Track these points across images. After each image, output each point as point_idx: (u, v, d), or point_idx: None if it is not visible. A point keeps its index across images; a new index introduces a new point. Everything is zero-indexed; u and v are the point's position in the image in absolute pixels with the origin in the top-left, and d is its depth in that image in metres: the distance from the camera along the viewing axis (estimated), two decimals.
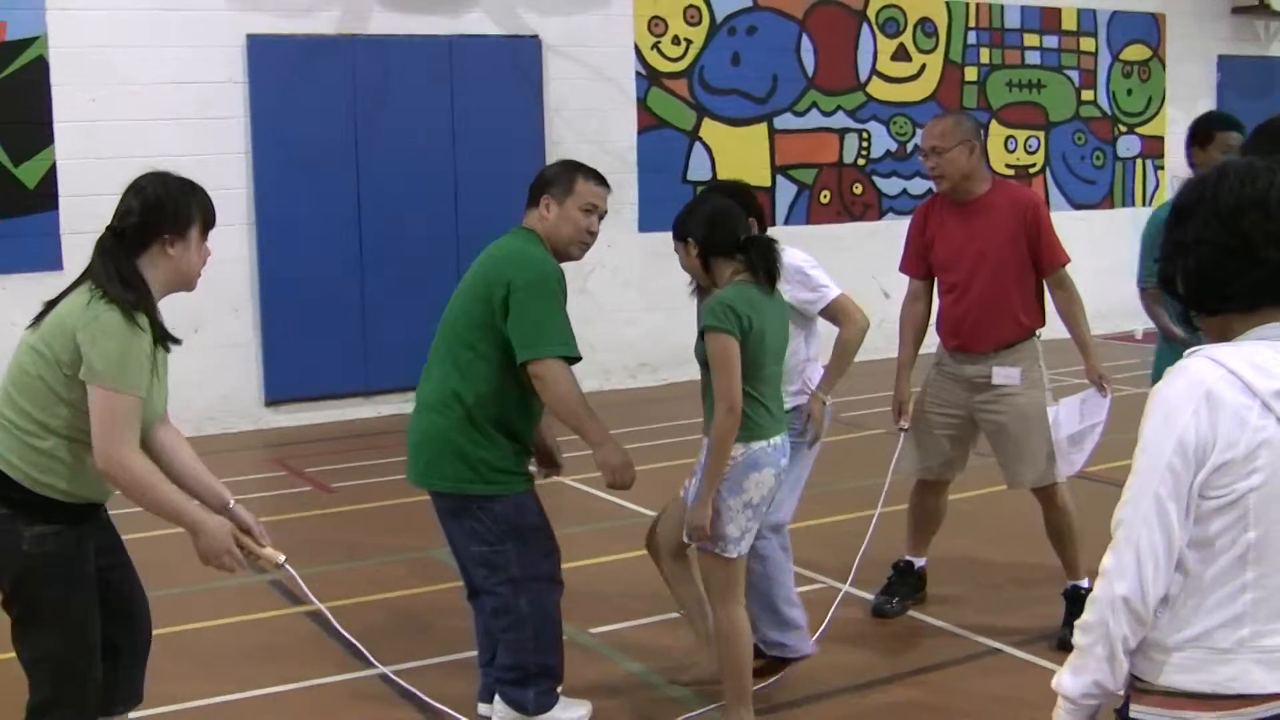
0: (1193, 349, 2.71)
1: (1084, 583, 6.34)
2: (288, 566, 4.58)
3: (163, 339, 4.25)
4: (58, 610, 4.24)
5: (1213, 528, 2.64)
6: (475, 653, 5.84)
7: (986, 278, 6.46)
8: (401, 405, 12.85)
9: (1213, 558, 2.65)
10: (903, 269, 6.86)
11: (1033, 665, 6.17)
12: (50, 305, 4.28)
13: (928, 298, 6.81)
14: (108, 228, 4.29)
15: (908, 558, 7.01)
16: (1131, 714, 2.76)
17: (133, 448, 4.12)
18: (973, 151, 6.46)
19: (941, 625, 6.73)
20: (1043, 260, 6.43)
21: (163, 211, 4.25)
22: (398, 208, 12.81)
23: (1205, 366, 2.64)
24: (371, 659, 5.70)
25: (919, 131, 15.52)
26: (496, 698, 5.55)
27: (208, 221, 4.36)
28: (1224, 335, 2.74)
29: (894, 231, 15.04)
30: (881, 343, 14.92)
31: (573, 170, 5.43)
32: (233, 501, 4.51)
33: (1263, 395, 2.61)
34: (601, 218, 5.46)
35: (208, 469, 4.56)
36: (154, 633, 6.78)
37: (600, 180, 5.45)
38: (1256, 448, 2.61)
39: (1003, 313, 6.48)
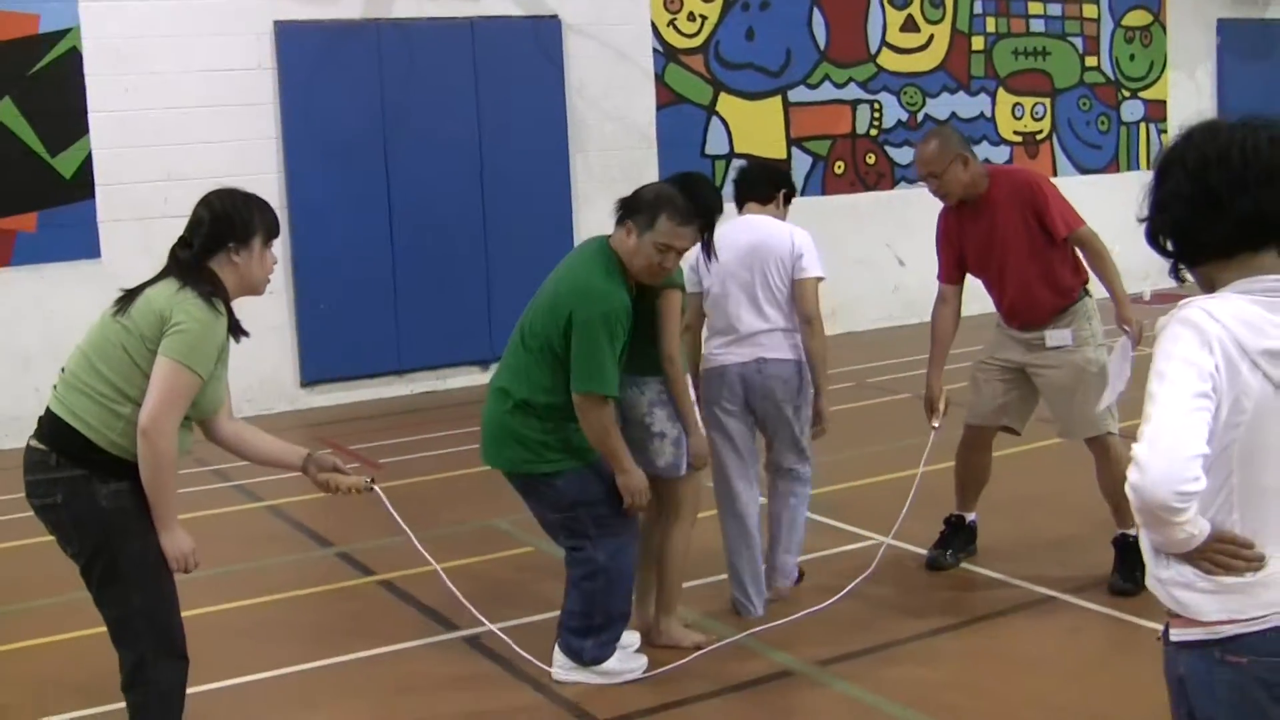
0: (1186, 300, 2.89)
1: (1133, 531, 6.56)
2: (376, 488, 5.01)
3: (235, 330, 4.56)
4: (137, 563, 4.50)
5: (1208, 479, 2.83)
6: (544, 615, 6.11)
7: (1015, 266, 6.74)
8: (434, 383, 13.13)
9: (1204, 508, 2.83)
10: (940, 278, 7.05)
11: (1089, 610, 6.42)
12: (130, 293, 4.55)
13: (956, 301, 7.03)
14: (179, 239, 4.62)
15: (958, 512, 7.25)
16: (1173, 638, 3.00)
17: (176, 423, 4.41)
18: (966, 164, 6.73)
19: (997, 576, 6.97)
20: (1055, 231, 6.67)
21: (229, 222, 4.57)
22: (426, 189, 13.00)
23: (1206, 319, 2.82)
24: (477, 615, 5.92)
25: (929, 101, 15.90)
26: (556, 645, 5.88)
27: (270, 232, 4.68)
28: (1211, 284, 2.95)
29: (907, 200, 15.44)
30: (898, 310, 15.37)
31: (662, 204, 5.64)
32: (308, 453, 4.94)
33: (1252, 353, 2.81)
34: (682, 253, 5.76)
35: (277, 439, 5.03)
36: (234, 605, 7.11)
37: (685, 218, 5.67)
38: (1243, 400, 2.81)
39: (1041, 292, 6.75)
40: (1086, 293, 6.82)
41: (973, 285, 7.06)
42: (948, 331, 7.01)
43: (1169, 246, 2.99)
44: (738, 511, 6.59)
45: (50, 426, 4.52)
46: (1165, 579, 2.92)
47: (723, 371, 6.52)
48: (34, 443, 4.55)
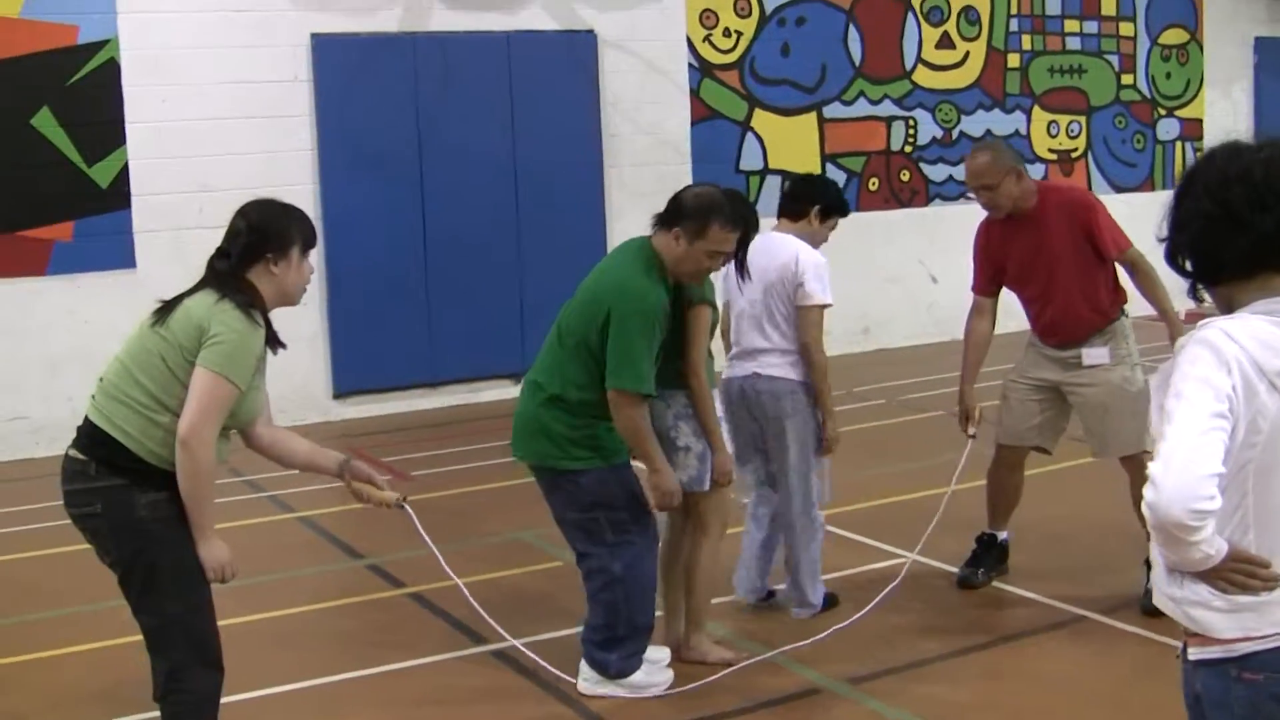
0: (1204, 321, 2.88)
1: None
2: (406, 507, 5.02)
3: (272, 342, 4.59)
4: (175, 573, 4.50)
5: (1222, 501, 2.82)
6: (573, 629, 6.12)
7: (1062, 285, 6.70)
8: (466, 396, 13.14)
9: (1220, 527, 2.81)
10: (975, 289, 7.05)
11: (1120, 630, 6.38)
12: (168, 304, 4.56)
13: (991, 314, 7.01)
14: (217, 249, 4.64)
15: (990, 531, 7.21)
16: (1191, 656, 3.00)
17: (215, 433, 4.43)
18: (1019, 178, 6.70)
19: (1028, 595, 6.94)
20: (1105, 251, 6.65)
21: (266, 233, 4.60)
22: (460, 201, 13.02)
23: (1224, 340, 2.82)
24: (501, 631, 5.93)
25: (964, 118, 15.85)
26: (582, 659, 5.88)
27: (307, 242, 4.71)
28: (1230, 304, 2.94)
29: (941, 217, 15.41)
30: (931, 328, 15.34)
31: (711, 211, 5.65)
32: (345, 459, 4.99)
33: (1269, 374, 2.81)
34: (728, 258, 5.82)
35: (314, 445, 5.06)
36: (265, 616, 7.13)
37: (734, 223, 5.71)
38: (1259, 420, 2.81)
39: (1085, 311, 6.72)
40: (1124, 313, 6.80)
41: (1006, 301, 7.03)
42: (982, 343, 6.97)
43: (1188, 266, 2.99)
44: (752, 499, 6.82)
45: (89, 436, 4.54)
46: (1179, 598, 2.92)
47: (728, 384, 6.61)
48: (73, 452, 4.57)
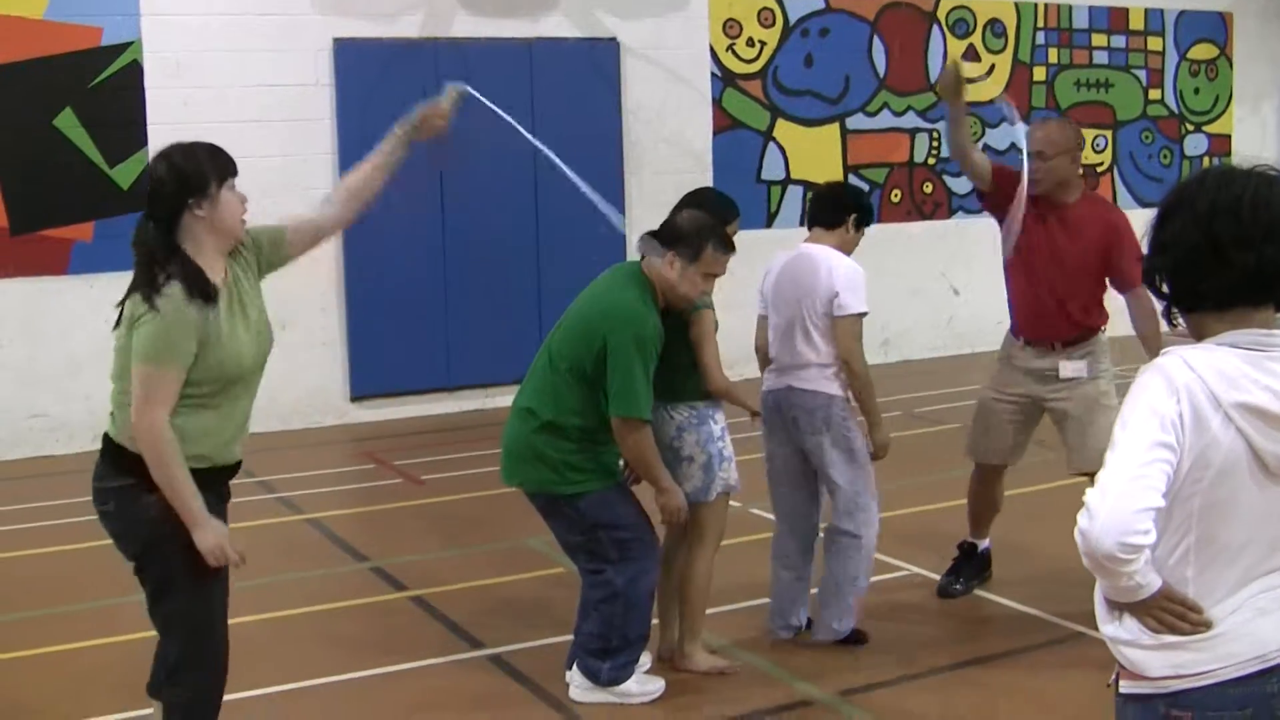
0: (1168, 349, 2.87)
1: None
2: (466, 87, 5.29)
3: (202, 295, 4.38)
4: (181, 571, 4.47)
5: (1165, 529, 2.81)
6: (571, 636, 6.12)
7: (1052, 280, 6.68)
8: (483, 400, 13.15)
9: (1161, 560, 2.82)
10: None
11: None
12: (121, 302, 4.50)
13: None
14: (144, 215, 4.52)
15: (971, 540, 7.22)
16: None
17: (163, 413, 4.34)
18: (1073, 160, 6.65)
19: (1027, 610, 6.91)
20: (1120, 280, 6.63)
21: (178, 184, 4.43)
22: (480, 207, 13.05)
23: (1180, 368, 2.80)
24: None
25: (988, 131, 15.80)
26: (574, 664, 5.93)
27: (223, 173, 4.53)
28: (1201, 333, 2.91)
29: (964, 230, 15.37)
30: (951, 341, 15.29)
31: (706, 234, 5.73)
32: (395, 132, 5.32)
33: (1225, 406, 2.78)
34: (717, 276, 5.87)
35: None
36: (266, 616, 7.15)
37: (729, 246, 5.80)
38: (1209, 454, 2.78)
39: (1062, 314, 6.72)
40: (1101, 330, 6.79)
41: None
42: None
43: (1164, 289, 2.96)
44: (776, 533, 6.64)
45: (103, 437, 4.58)
46: (1113, 636, 2.92)
47: (765, 398, 6.54)
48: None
